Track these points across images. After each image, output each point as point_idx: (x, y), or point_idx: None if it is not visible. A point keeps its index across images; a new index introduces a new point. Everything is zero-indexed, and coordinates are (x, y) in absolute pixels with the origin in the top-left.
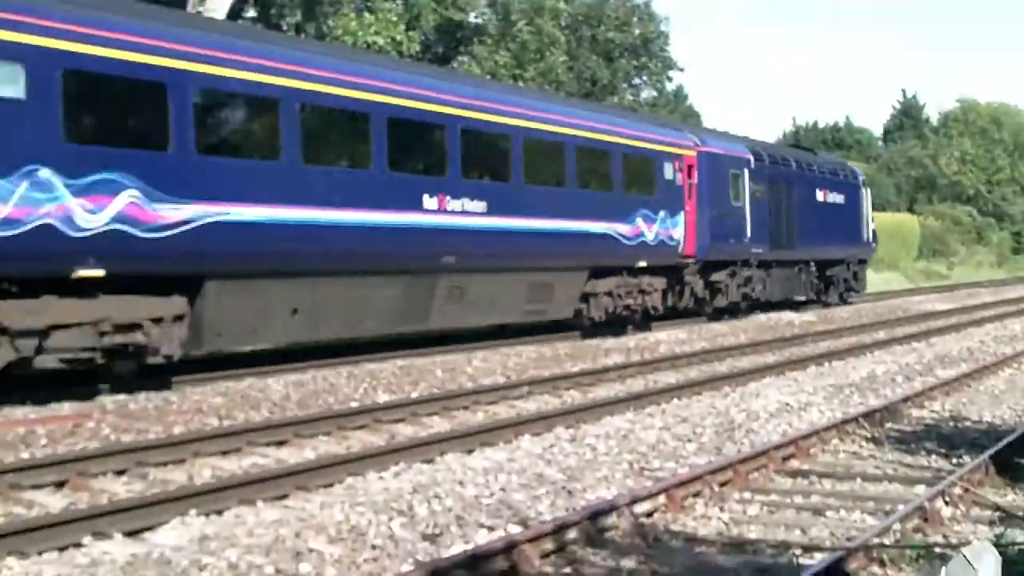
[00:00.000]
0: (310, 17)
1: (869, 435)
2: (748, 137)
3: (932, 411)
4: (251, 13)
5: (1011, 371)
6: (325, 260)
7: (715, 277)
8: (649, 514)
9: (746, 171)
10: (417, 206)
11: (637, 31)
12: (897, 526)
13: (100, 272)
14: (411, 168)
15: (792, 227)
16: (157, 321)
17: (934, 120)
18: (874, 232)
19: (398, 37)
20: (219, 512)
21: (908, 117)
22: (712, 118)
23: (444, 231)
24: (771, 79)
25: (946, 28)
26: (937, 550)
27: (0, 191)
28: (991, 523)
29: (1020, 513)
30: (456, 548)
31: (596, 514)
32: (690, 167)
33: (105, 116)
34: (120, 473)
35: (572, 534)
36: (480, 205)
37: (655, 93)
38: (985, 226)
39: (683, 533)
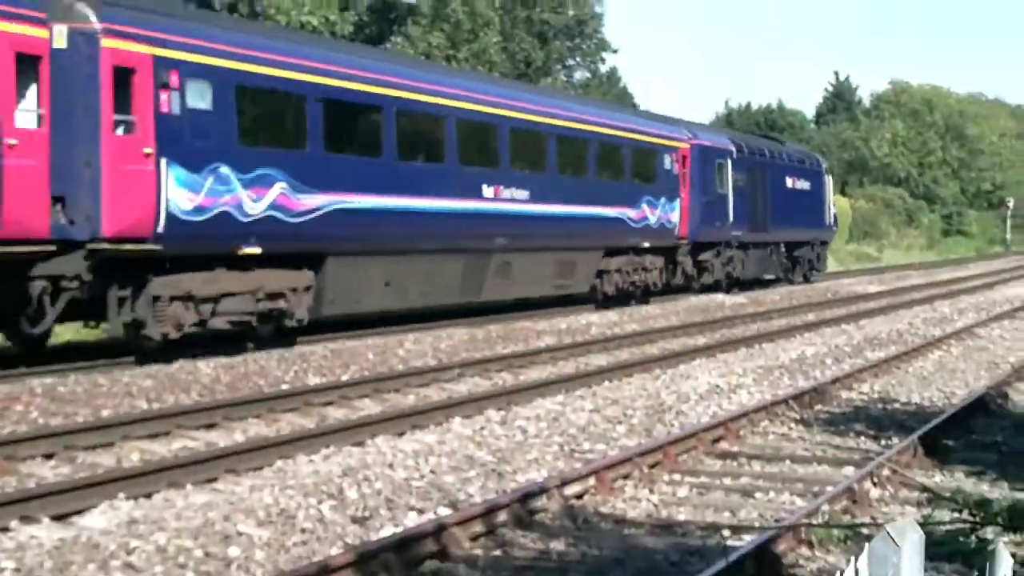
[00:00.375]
0: None
1: (799, 417)
2: (729, 129)
3: (861, 393)
4: None
5: (940, 353)
6: (411, 240)
7: (702, 257)
8: (579, 496)
9: (729, 161)
10: (478, 195)
11: (572, 12)
12: (826, 507)
13: (258, 250)
14: (474, 162)
15: (766, 212)
16: (293, 291)
17: (866, 102)
18: (835, 216)
19: (332, 17)
20: (148, 496)
21: (840, 100)
22: (645, 100)
23: (497, 216)
24: (704, 61)
25: (878, 11)
26: (864, 531)
27: (193, 184)
28: (919, 504)
29: (947, 494)
30: (386, 531)
31: (526, 496)
32: (684, 158)
33: (264, 122)
34: (48, 457)
35: (502, 516)
36: (524, 193)
37: (588, 75)
38: (916, 209)
39: (613, 515)
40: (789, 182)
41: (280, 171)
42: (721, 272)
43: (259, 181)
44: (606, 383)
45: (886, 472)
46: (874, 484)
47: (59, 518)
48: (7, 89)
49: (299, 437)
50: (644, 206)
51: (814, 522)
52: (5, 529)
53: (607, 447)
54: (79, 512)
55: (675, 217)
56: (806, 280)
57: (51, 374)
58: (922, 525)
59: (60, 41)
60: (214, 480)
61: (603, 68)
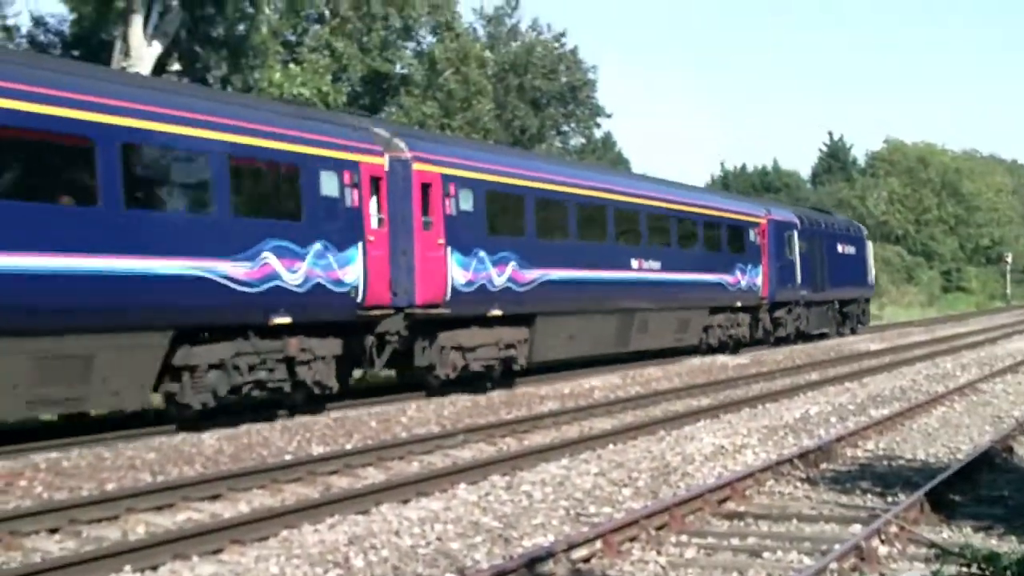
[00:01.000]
0: (235, 70)
1: (804, 476)
2: (796, 207)
3: (866, 450)
4: (176, 67)
5: (944, 409)
6: (585, 303)
7: (777, 314)
8: (586, 560)
9: (795, 232)
10: (628, 266)
11: (564, 79)
12: (834, 565)
13: (500, 312)
14: (624, 240)
15: (823, 274)
16: (517, 343)
17: (861, 162)
18: (875, 276)
19: (324, 88)
20: (154, 568)
21: (835, 159)
22: (641, 164)
23: (640, 283)
24: (699, 124)
25: (871, 70)
26: None
27: (464, 263)
28: (927, 560)
29: (956, 549)
30: None
31: (533, 561)
32: (763, 230)
33: (503, 217)
34: (53, 531)
35: None
36: (657, 264)
37: (583, 140)
38: (915, 266)
39: None
40: (839, 248)
41: (512, 252)
42: (792, 327)
43: (500, 261)
44: (611, 446)
45: (893, 529)
46: (882, 541)
47: None
48: (368, 202)
49: (304, 507)
50: (737, 272)
51: None
52: None
53: (613, 510)
54: None
55: (759, 281)
56: (853, 332)
57: (54, 448)
58: None
59: (386, 166)
60: (220, 551)
61: (598, 133)
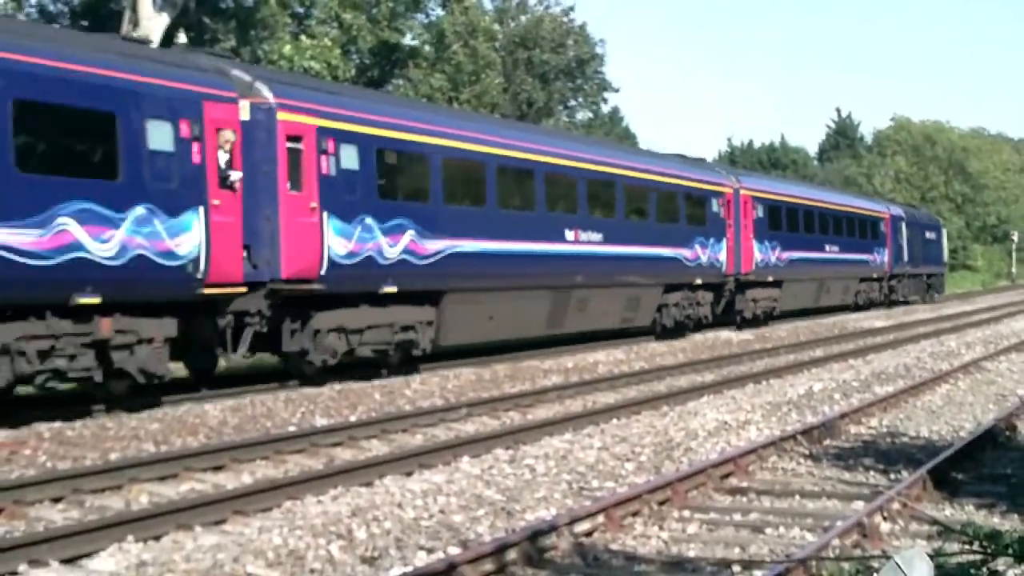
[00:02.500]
0: (244, 42)
1: (807, 452)
2: (901, 203)
3: (870, 427)
4: (182, 38)
5: (948, 387)
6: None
7: (892, 283)
8: (589, 534)
9: (903, 223)
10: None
11: (572, 53)
12: (836, 542)
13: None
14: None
15: (917, 254)
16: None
17: (868, 139)
18: (948, 255)
19: (334, 62)
20: (157, 538)
21: (843, 136)
22: (648, 139)
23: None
24: (706, 99)
25: (879, 48)
26: (875, 564)
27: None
28: (929, 537)
29: (958, 527)
30: (395, 571)
31: (536, 534)
32: (887, 223)
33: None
34: (57, 500)
35: (512, 555)
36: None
37: (591, 115)
38: None
39: (623, 552)
40: (927, 234)
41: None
42: (901, 293)
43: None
44: (614, 421)
45: (896, 506)
46: (884, 518)
47: (68, 561)
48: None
49: (307, 478)
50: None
51: (824, 556)
52: (14, 573)
53: (616, 484)
54: (88, 555)
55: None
56: (932, 300)
57: (59, 418)
58: (933, 558)
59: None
60: (223, 522)
61: (605, 108)
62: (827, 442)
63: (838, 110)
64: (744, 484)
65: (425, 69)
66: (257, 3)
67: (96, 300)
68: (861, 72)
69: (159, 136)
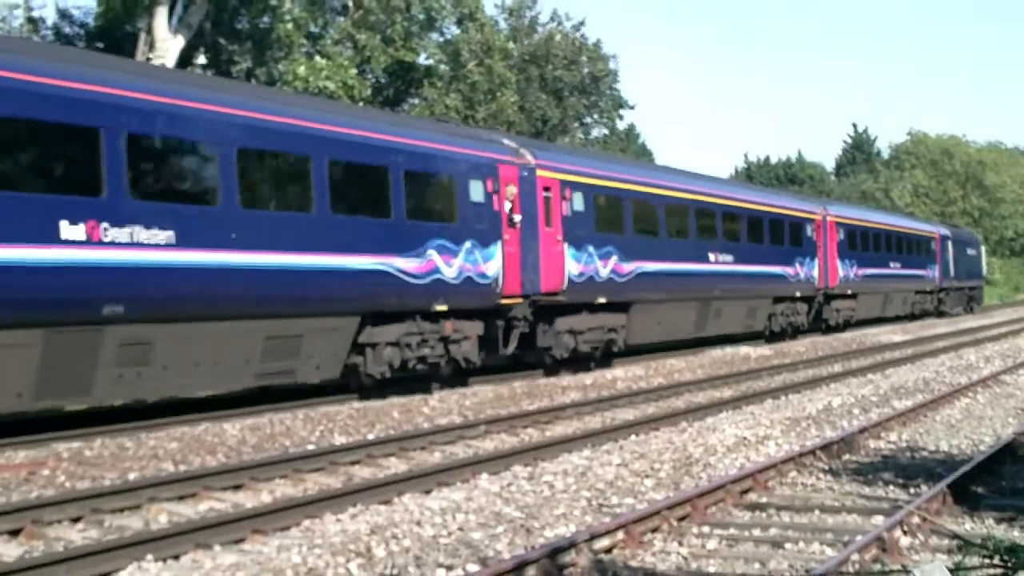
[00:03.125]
0: (260, 62)
1: (826, 467)
2: (950, 223)
3: (889, 442)
4: (201, 60)
5: (967, 401)
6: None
7: (941, 296)
8: (608, 550)
9: (949, 242)
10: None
11: (586, 70)
12: (856, 557)
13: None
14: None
15: (960, 269)
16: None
17: (885, 153)
18: (986, 269)
19: (349, 81)
20: (176, 557)
21: (860, 151)
22: (664, 155)
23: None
24: (722, 115)
25: (895, 63)
26: None
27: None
28: (949, 551)
29: (978, 541)
30: None
31: (555, 551)
32: (937, 242)
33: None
34: (76, 520)
35: (531, 572)
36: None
37: (606, 131)
38: None
39: (642, 568)
40: (968, 251)
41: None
42: (949, 304)
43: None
44: (633, 437)
45: (916, 520)
46: (904, 532)
47: None
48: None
49: (326, 496)
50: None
51: (844, 571)
52: None
53: (635, 501)
54: (108, 575)
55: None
56: (971, 311)
57: (77, 438)
58: (953, 572)
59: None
60: (242, 541)
61: (621, 125)
62: (846, 457)
63: (854, 125)
64: (764, 500)
65: (440, 89)
66: (273, 23)
67: (444, 308)
68: (877, 87)
69: (476, 191)
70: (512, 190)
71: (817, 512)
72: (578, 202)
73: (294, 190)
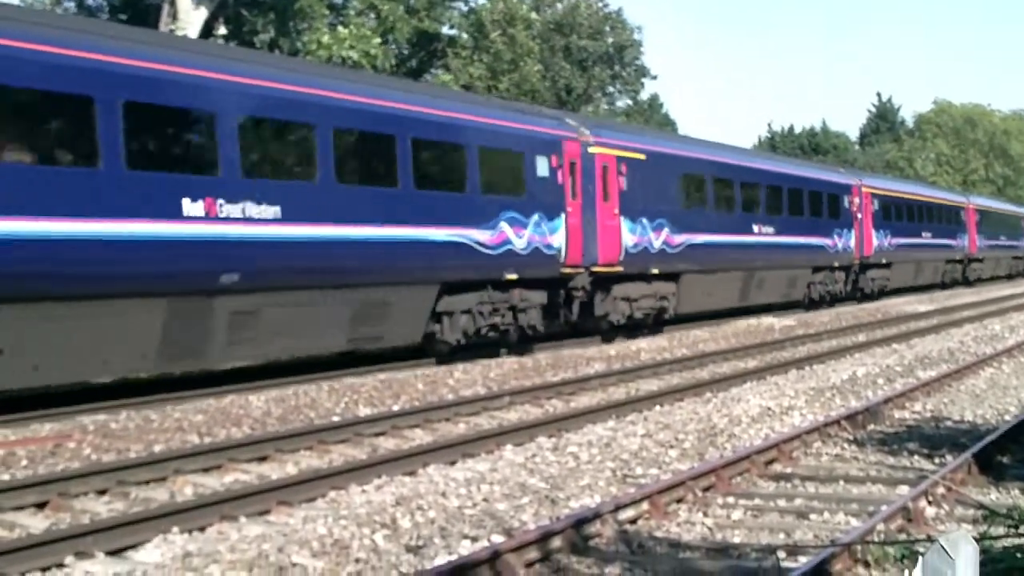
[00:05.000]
0: (283, 33)
1: (851, 437)
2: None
3: (914, 412)
4: (222, 31)
5: (992, 371)
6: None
7: (973, 265)
8: (633, 521)
9: (980, 212)
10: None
11: (610, 40)
12: (881, 527)
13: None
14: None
15: (996, 238)
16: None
17: (910, 123)
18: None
19: (372, 51)
20: (201, 529)
21: (884, 120)
22: (687, 125)
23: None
24: (745, 85)
25: (920, 31)
26: (920, 548)
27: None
28: (975, 521)
29: (1003, 511)
30: (440, 559)
31: (580, 522)
32: (968, 213)
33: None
34: (101, 492)
35: (556, 542)
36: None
37: (630, 102)
38: None
39: (667, 539)
40: (1004, 220)
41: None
42: (979, 273)
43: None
44: (657, 408)
45: (941, 490)
46: (929, 502)
47: (113, 553)
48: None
49: (351, 468)
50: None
51: (870, 540)
52: (60, 565)
53: (659, 471)
54: (133, 547)
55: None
56: (1010, 277)
57: (103, 411)
58: (978, 541)
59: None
60: (267, 512)
61: (644, 95)
62: (871, 427)
63: (879, 94)
64: (788, 470)
65: (464, 58)
66: None
67: (514, 277)
68: (902, 56)
69: (542, 167)
70: (574, 165)
71: (842, 482)
72: (632, 177)
73: (381, 167)
